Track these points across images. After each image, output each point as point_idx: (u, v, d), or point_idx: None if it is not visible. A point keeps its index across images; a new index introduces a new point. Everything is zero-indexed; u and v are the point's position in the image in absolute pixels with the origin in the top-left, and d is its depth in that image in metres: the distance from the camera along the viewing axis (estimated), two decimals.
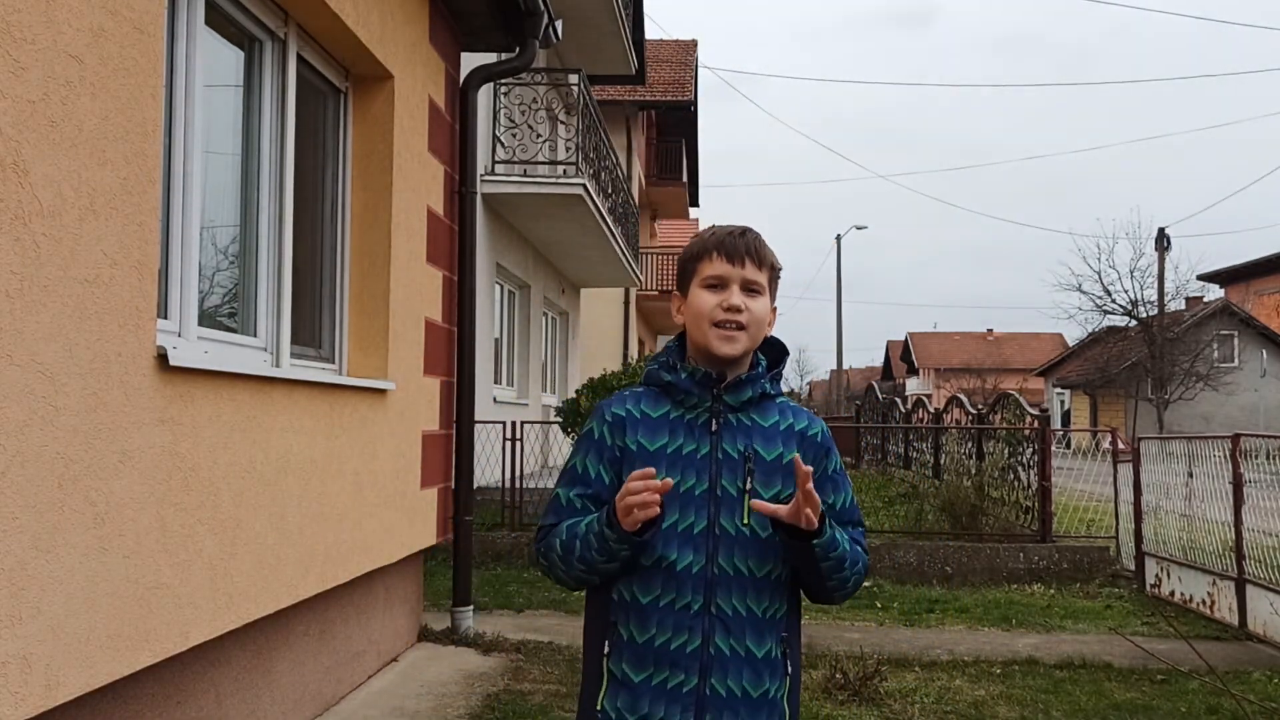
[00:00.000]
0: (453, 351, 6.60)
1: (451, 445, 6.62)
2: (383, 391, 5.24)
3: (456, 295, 6.63)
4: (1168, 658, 5.79)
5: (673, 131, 28.36)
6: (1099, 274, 35.99)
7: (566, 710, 5.03)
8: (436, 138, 6.16)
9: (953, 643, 7.05)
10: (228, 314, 4.34)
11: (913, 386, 70.10)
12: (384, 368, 5.31)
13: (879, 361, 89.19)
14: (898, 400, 20.50)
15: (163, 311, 3.54)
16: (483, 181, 11.33)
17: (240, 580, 3.73)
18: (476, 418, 6.93)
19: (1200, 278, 40.29)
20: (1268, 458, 8.47)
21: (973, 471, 11.13)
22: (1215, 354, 36.94)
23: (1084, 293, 35.64)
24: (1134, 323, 35.37)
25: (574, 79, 12.41)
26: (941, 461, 13.57)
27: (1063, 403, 46.36)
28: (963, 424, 13.72)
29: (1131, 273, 35.08)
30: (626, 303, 23.19)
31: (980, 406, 13.37)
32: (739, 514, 1.99)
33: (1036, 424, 10.42)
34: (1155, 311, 34.50)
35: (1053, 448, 10.34)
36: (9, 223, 2.53)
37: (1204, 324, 37.68)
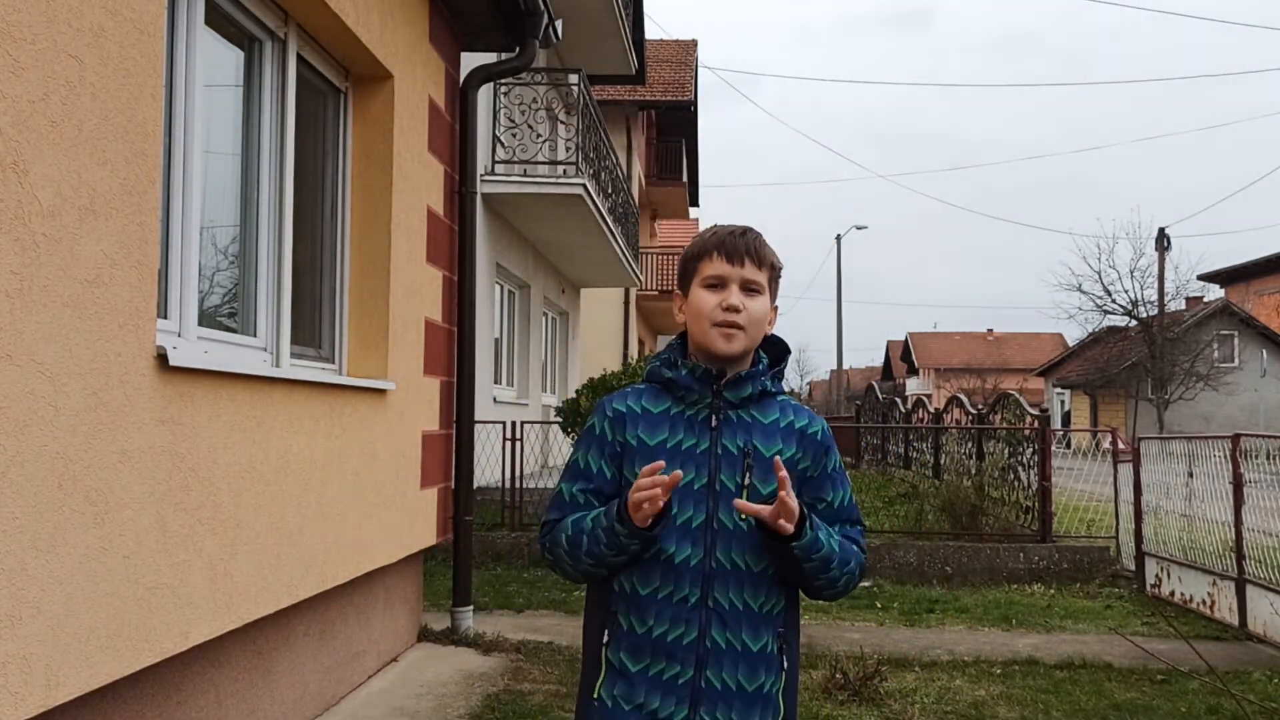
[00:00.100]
0: (453, 351, 6.60)
1: (451, 445, 6.62)
2: (383, 391, 5.24)
3: (456, 295, 6.63)
4: (1168, 658, 5.79)
5: (673, 131, 28.36)
6: (1099, 274, 36.04)
7: (566, 710, 5.03)
8: (436, 138, 6.16)
9: (953, 643, 7.05)
10: (228, 314, 4.34)
11: (913, 386, 70.10)
12: (384, 368, 5.31)
13: (879, 361, 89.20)
14: (898, 400, 20.49)
15: (163, 311, 3.54)
16: (483, 181, 11.32)
17: (240, 580, 3.73)
18: (476, 418, 6.93)
19: (1200, 278, 40.32)
20: (1268, 458, 8.48)
21: (973, 471, 11.13)
22: (1215, 354, 36.95)
23: (1084, 293, 35.69)
24: (1134, 323, 35.38)
25: (574, 79, 12.41)
26: (941, 461, 13.57)
27: (1063, 403, 46.36)
28: (963, 424, 13.72)
29: (1131, 273, 35.13)
30: (626, 303, 23.19)
31: (980, 406, 13.37)
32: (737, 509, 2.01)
33: (1036, 424, 10.42)
34: (1155, 311, 34.51)
35: (1053, 448, 10.33)
36: (9, 223, 2.53)
37: (1204, 324, 37.69)
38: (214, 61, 4.13)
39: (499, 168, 11.76)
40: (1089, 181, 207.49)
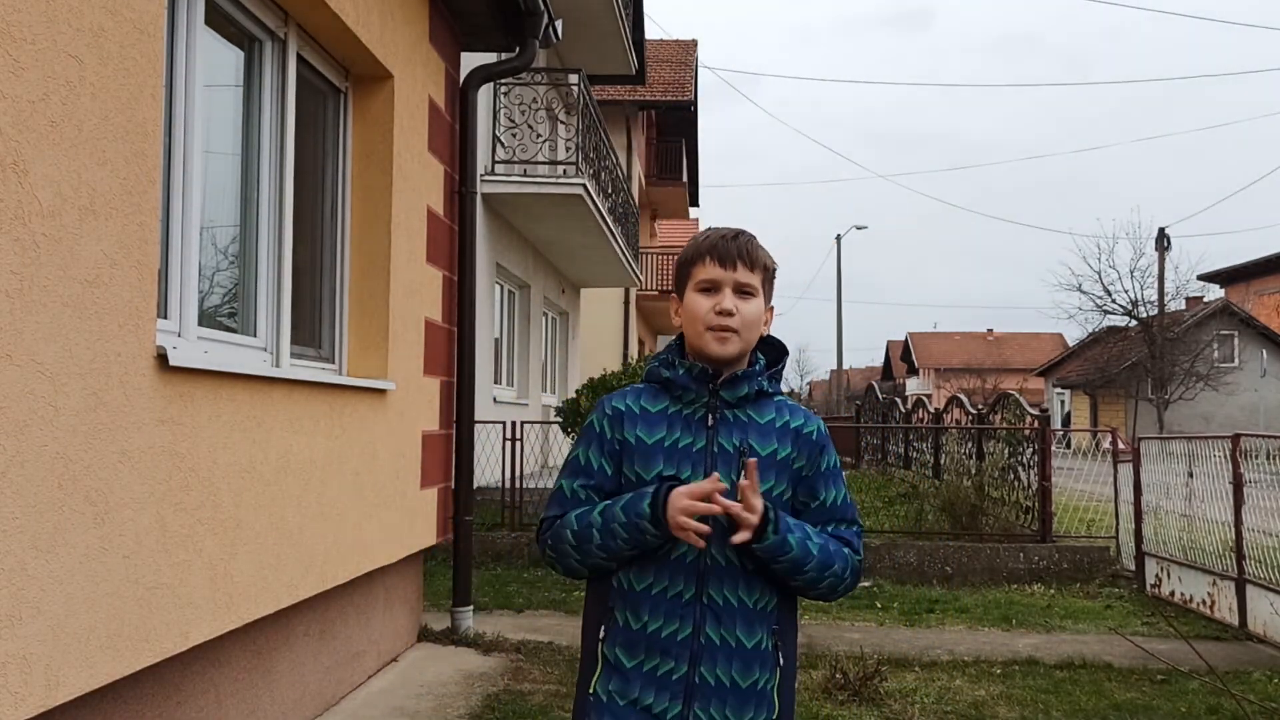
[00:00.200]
0: (453, 351, 6.60)
1: (451, 445, 6.62)
2: (383, 391, 5.24)
3: (456, 295, 6.63)
4: (1168, 658, 5.79)
5: (673, 131, 28.36)
6: (1099, 274, 36.05)
7: (566, 710, 5.03)
8: (436, 138, 6.16)
9: (953, 643, 7.05)
10: (228, 314, 4.34)
11: (913, 386, 70.10)
12: (384, 368, 5.31)
13: (879, 361, 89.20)
14: (898, 400, 20.49)
15: (163, 311, 3.54)
16: (483, 181, 11.32)
17: (240, 580, 3.73)
18: (476, 418, 6.93)
19: (1200, 278, 40.32)
20: (1268, 458, 8.48)
21: (973, 471, 11.12)
22: (1215, 354, 36.95)
23: (1084, 293, 35.70)
24: (1134, 323, 35.38)
25: (574, 79, 12.41)
26: (941, 461, 13.57)
27: (1063, 403, 46.36)
28: (963, 424, 13.71)
29: (1131, 273, 35.13)
30: (626, 303, 23.19)
31: (980, 406, 13.37)
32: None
33: (1036, 424, 10.42)
34: (1155, 311, 34.51)
35: (1053, 448, 10.33)
36: (9, 223, 2.53)
37: (1204, 324, 37.70)
38: (214, 61, 4.13)
39: (499, 168, 11.76)
40: (1089, 181, 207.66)
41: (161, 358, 3.18)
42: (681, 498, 1.95)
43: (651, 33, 32.41)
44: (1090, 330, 37.90)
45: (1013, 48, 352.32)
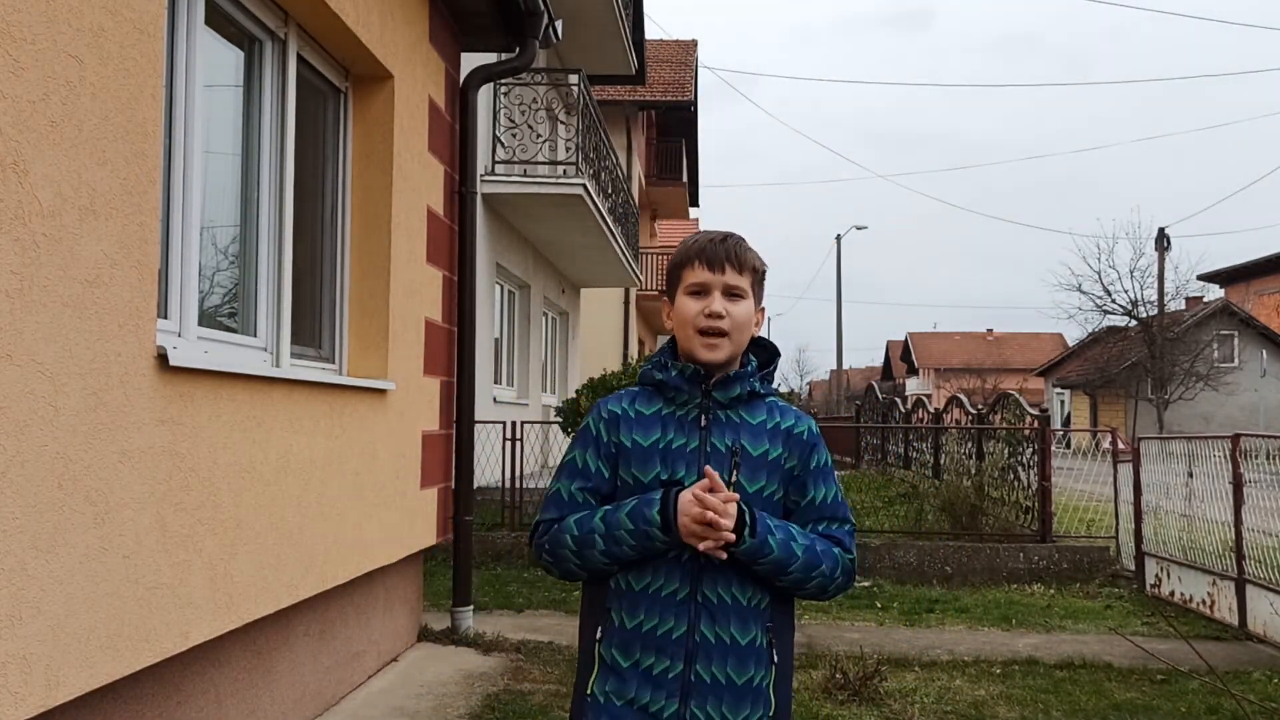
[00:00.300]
0: (453, 351, 6.61)
1: (451, 445, 6.62)
2: (383, 391, 5.24)
3: (456, 295, 6.63)
4: (1168, 658, 5.79)
5: (673, 131, 28.37)
6: (1099, 274, 36.10)
7: (566, 710, 5.01)
8: (436, 138, 6.16)
9: (953, 643, 7.05)
10: (228, 314, 4.34)
11: (913, 386, 70.10)
12: (384, 368, 5.31)
13: (879, 361, 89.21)
14: (898, 400, 20.48)
15: (163, 311, 3.54)
16: (483, 181, 11.32)
17: (240, 580, 3.73)
18: (476, 418, 6.93)
19: (1200, 278, 40.34)
20: (1268, 458, 8.47)
21: (973, 471, 11.12)
22: (1215, 354, 36.96)
23: (1084, 293, 35.74)
24: (1134, 323, 35.39)
25: (574, 79, 12.41)
26: (941, 461, 13.56)
27: (1063, 403, 46.36)
28: (963, 424, 13.71)
29: (1131, 273, 35.17)
30: (626, 303, 23.20)
31: (980, 406, 13.36)
32: None
33: (1036, 424, 10.42)
34: (1155, 311, 34.52)
35: (1053, 448, 10.33)
36: (9, 223, 2.53)
37: (1204, 324, 37.71)
38: (214, 61, 4.13)
39: (499, 168, 11.77)
40: (1089, 181, 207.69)
41: (161, 358, 3.18)
42: (691, 505, 1.97)
43: (651, 33, 32.41)
44: (1090, 330, 37.93)
45: (1013, 48, 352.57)
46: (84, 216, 2.81)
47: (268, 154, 4.51)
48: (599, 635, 2.09)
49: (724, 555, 1.98)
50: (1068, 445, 22.16)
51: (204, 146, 3.86)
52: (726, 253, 2.10)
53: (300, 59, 4.78)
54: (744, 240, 2.15)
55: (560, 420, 11.29)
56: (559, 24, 6.97)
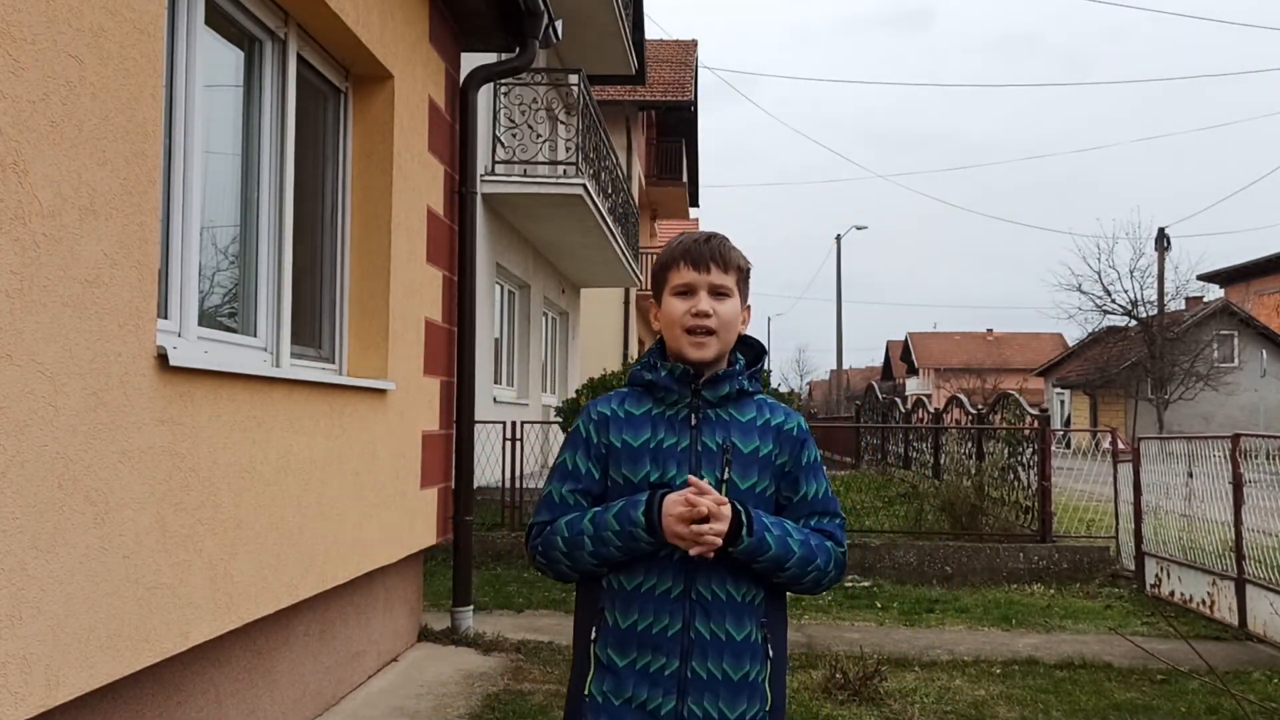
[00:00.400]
0: (453, 351, 6.61)
1: (451, 445, 6.62)
2: (383, 392, 5.24)
3: (456, 295, 6.63)
4: (1168, 658, 5.79)
5: (673, 131, 28.37)
6: (1099, 274, 36.14)
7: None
8: (436, 138, 6.16)
9: (953, 643, 7.05)
10: (228, 314, 4.34)
11: (913, 386, 70.12)
12: (384, 368, 5.31)
13: (879, 361, 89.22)
14: (898, 400, 20.48)
15: (163, 311, 3.54)
16: (483, 181, 11.32)
17: (240, 580, 3.73)
18: (476, 418, 6.93)
19: (1200, 278, 40.35)
20: (1268, 458, 8.47)
21: (973, 471, 11.12)
22: (1215, 354, 36.97)
23: (1084, 293, 35.75)
24: (1134, 323, 35.39)
25: (574, 79, 12.41)
26: (941, 461, 13.56)
27: (1063, 403, 46.36)
28: (963, 424, 13.71)
29: (1131, 273, 35.19)
30: (626, 303, 23.20)
31: (980, 406, 13.36)
32: None
33: (1036, 424, 10.42)
34: (1155, 311, 34.52)
35: (1053, 448, 10.33)
36: (9, 223, 2.53)
37: (1204, 324, 37.71)
38: (214, 61, 4.13)
39: (499, 168, 11.77)
40: (1089, 181, 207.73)
41: (162, 358, 3.18)
42: (676, 505, 1.98)
43: (651, 33, 32.43)
44: (1090, 330, 37.94)
45: (1013, 48, 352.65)
46: (84, 216, 2.81)
47: (268, 154, 4.51)
48: (594, 636, 2.10)
49: (711, 555, 2.00)
50: (1068, 445, 22.14)
51: (204, 146, 3.86)
52: (711, 252, 2.12)
53: (300, 59, 4.78)
54: (728, 240, 2.18)
55: (560, 420, 11.30)
56: (559, 24, 6.97)
